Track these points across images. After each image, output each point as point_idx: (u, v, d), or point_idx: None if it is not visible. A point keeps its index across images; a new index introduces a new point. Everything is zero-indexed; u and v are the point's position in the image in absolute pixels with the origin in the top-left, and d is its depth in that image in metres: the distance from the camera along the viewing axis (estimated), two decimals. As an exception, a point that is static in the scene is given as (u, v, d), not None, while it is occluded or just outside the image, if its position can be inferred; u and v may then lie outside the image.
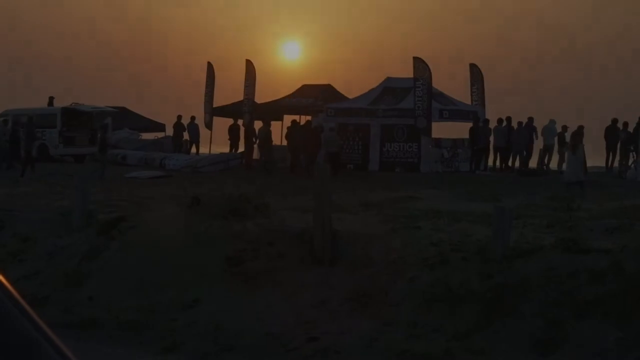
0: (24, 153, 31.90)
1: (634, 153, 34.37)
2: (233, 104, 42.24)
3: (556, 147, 36.67)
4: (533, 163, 37.02)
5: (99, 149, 32.01)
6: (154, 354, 11.30)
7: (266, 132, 36.88)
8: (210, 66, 42.34)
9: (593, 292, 10.60)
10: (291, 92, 43.11)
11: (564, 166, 29.36)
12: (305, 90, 42.09)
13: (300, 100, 40.93)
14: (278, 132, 40.50)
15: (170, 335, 11.87)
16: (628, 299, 10.25)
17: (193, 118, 42.02)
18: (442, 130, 37.33)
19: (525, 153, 36.72)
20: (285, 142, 37.43)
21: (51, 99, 43.44)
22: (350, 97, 40.14)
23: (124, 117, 43.85)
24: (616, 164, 35.54)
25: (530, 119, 36.99)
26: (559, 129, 36.75)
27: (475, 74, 39.89)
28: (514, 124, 36.92)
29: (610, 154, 35.85)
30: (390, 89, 36.99)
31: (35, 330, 1.98)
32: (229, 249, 13.99)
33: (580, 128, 35.47)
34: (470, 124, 36.18)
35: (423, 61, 35.53)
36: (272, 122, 38.78)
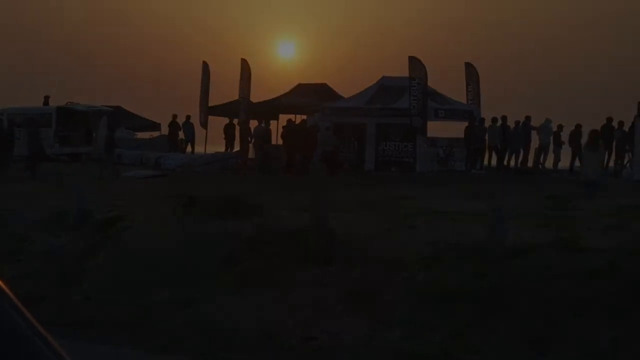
0: (29, 153, 31.89)
1: (629, 152, 34.38)
2: (228, 103, 42.24)
3: (552, 146, 36.69)
4: (528, 162, 37.05)
5: (105, 148, 32.11)
6: (150, 353, 11.30)
7: (266, 131, 36.99)
8: (205, 65, 42.32)
9: (589, 291, 10.62)
10: (287, 91, 43.13)
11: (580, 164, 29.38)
12: (301, 90, 42.12)
13: (295, 100, 40.93)
14: (274, 132, 40.53)
15: (166, 335, 11.87)
16: (624, 298, 10.27)
17: (188, 117, 42.03)
18: (437, 129, 37.37)
19: (522, 152, 36.73)
20: (280, 142, 37.46)
21: (46, 98, 43.41)
22: (346, 96, 40.17)
23: (119, 116, 43.83)
24: (612, 163, 35.57)
25: (528, 118, 36.99)
26: (554, 128, 36.77)
27: (471, 73, 39.89)
28: (511, 123, 36.95)
29: (606, 153, 35.87)
30: (385, 88, 36.99)
31: (30, 329, 1.98)
32: (225, 249, 13.99)
33: (579, 127, 35.57)
34: (465, 123, 36.20)
35: (419, 60, 35.53)
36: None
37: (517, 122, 36.87)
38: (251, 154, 37.86)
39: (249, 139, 38.38)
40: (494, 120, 36.90)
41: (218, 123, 42.29)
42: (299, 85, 42.94)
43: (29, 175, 29.27)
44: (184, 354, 11.26)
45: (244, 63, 40.44)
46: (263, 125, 37.40)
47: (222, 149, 40.95)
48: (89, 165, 31.54)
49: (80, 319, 12.69)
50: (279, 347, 11.14)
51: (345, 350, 10.81)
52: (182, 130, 41.82)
